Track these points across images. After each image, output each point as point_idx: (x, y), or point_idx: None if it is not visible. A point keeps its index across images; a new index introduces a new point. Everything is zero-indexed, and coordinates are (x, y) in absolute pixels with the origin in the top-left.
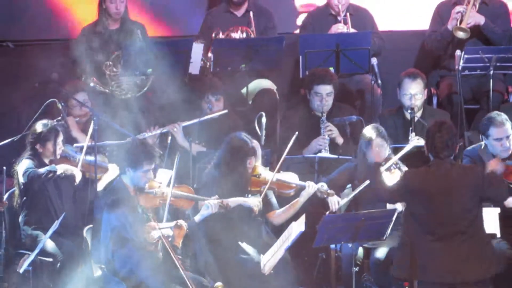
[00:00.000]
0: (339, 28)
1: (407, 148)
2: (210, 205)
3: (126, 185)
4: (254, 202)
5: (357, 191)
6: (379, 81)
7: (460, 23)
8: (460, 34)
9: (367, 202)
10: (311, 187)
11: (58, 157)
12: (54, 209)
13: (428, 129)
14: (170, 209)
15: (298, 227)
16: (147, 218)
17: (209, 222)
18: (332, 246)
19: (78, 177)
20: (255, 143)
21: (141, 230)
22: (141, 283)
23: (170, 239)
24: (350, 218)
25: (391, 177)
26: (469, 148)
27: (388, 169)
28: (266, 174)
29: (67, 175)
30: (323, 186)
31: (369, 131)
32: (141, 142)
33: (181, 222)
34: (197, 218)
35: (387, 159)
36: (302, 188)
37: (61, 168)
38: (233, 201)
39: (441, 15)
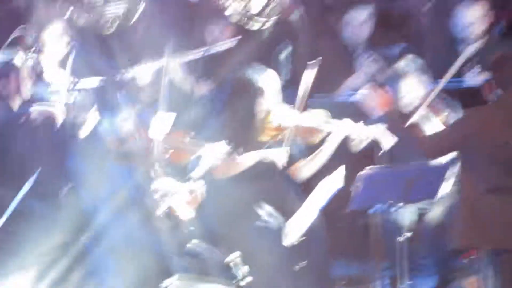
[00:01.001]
0: None
1: (443, 82)
2: (208, 153)
3: (105, 135)
4: (278, 154)
5: None
6: None
7: None
8: None
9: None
10: (340, 130)
11: (26, 98)
12: (26, 164)
13: (495, 59)
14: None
15: (333, 183)
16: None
17: (220, 181)
18: (375, 208)
19: (60, 118)
20: (265, 81)
21: (150, 192)
22: (138, 255)
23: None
24: (398, 172)
25: (430, 122)
26: None
27: (430, 107)
28: (284, 118)
29: (44, 118)
30: (356, 129)
31: (402, 64)
32: (120, 80)
33: (197, 186)
34: (196, 174)
35: (425, 99)
36: (331, 132)
37: (36, 110)
38: (249, 157)
39: None
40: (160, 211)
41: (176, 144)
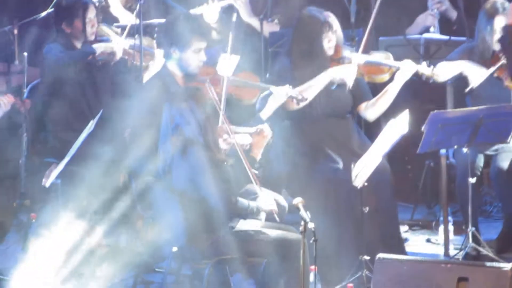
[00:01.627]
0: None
1: None
2: (277, 93)
3: (172, 73)
4: (347, 71)
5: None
6: None
7: None
8: None
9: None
10: (407, 67)
11: (91, 38)
12: (89, 105)
13: None
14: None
15: (399, 126)
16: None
17: (284, 121)
18: (443, 151)
19: (119, 55)
20: (330, 17)
21: (210, 131)
22: (203, 200)
23: (247, 148)
24: (466, 115)
25: None
26: None
27: None
28: (351, 56)
29: (107, 57)
30: (424, 64)
31: (491, 6)
32: (188, 14)
33: (264, 127)
34: (264, 113)
35: None
36: (398, 70)
37: (100, 47)
38: (321, 78)
39: None
40: (225, 153)
41: (243, 82)
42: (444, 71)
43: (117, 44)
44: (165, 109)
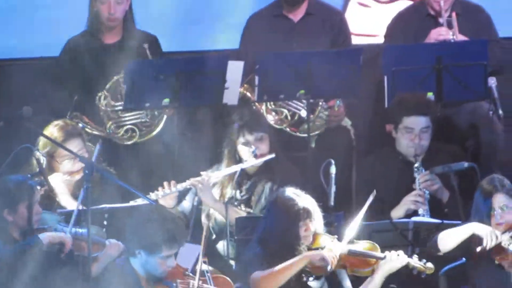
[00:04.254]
0: (442, 34)
1: None
2: None
3: (136, 272)
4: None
5: None
6: (501, 112)
7: None
8: None
9: None
10: (393, 258)
11: (35, 227)
12: None
13: None
14: None
15: None
16: None
17: None
18: None
19: (68, 245)
20: (308, 202)
21: None
22: None
23: None
24: None
25: None
26: None
27: None
28: (333, 245)
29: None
30: (415, 258)
31: (488, 184)
32: (162, 215)
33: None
34: None
35: None
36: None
37: (47, 238)
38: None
39: None
40: None
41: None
42: (448, 241)
43: (65, 236)
44: None
